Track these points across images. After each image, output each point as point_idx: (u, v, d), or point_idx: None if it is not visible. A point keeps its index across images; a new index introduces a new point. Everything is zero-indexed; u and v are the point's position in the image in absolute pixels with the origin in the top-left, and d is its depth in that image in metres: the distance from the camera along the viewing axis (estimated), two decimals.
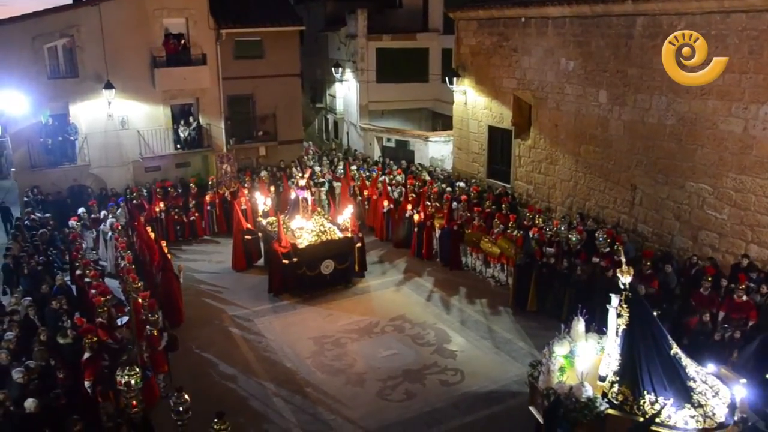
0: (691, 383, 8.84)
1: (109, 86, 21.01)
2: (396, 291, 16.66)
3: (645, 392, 8.84)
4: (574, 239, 15.39)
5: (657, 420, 8.62)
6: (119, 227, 17.31)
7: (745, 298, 12.20)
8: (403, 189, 20.28)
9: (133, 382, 9.39)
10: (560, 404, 8.98)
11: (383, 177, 21.63)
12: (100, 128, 21.77)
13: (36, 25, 20.36)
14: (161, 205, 19.90)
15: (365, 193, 21.17)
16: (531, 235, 15.91)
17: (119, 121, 21.93)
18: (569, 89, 18.13)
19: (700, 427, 8.44)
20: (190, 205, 20.49)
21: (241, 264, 18.06)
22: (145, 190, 21.14)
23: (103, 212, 18.69)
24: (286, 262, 15.89)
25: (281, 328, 14.72)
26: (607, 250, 14.82)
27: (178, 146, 23.08)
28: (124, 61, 21.47)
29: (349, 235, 16.52)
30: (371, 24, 27.71)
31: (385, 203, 19.80)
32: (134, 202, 19.89)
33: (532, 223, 17.01)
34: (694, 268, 14.05)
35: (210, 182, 21.47)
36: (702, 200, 14.76)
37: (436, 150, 25.72)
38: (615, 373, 9.19)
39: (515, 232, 16.40)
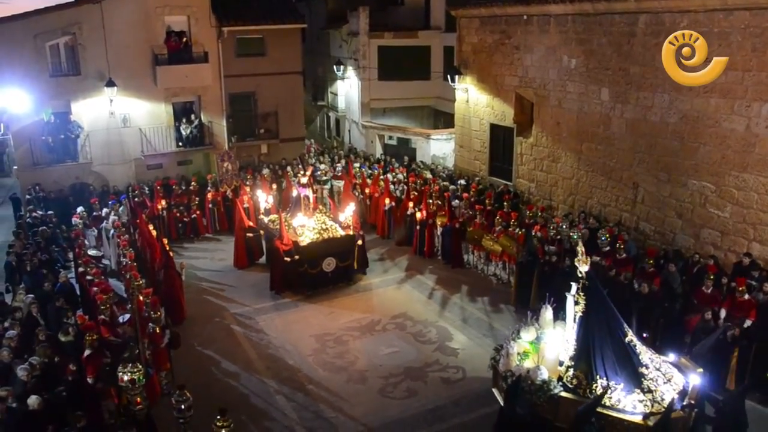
0: (642, 369, 9.10)
1: (110, 84, 21.04)
2: (397, 289, 16.66)
3: (597, 377, 9.15)
4: (575, 237, 15.39)
5: (604, 402, 8.89)
6: (120, 225, 17.31)
7: (746, 296, 12.20)
8: (405, 187, 20.27)
9: (135, 379, 9.39)
10: (519, 385, 9.28)
11: (385, 175, 21.62)
12: (102, 126, 21.81)
13: (38, 22, 20.39)
14: (163, 202, 19.91)
15: (367, 191, 21.16)
16: (533, 233, 15.91)
17: (121, 118, 21.97)
18: (571, 87, 18.11)
19: (648, 411, 8.71)
20: (192, 203, 20.50)
21: (242, 262, 18.07)
22: (147, 188, 21.16)
23: (105, 210, 18.71)
24: (288, 259, 15.89)
25: (283, 325, 14.73)
26: (608, 248, 14.82)
27: (180, 144, 23.11)
28: (125, 59, 21.49)
29: (351, 232, 16.52)
30: (373, 21, 27.72)
31: (387, 201, 19.81)
32: (136, 199, 19.90)
33: (533, 221, 17.00)
34: (696, 267, 14.05)
35: (209, 180, 21.44)
36: (704, 198, 14.76)
37: (438, 148, 25.71)
38: (570, 358, 9.51)
39: (517, 230, 16.39)
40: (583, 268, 9.42)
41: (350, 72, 29.26)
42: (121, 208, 18.92)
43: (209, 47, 22.70)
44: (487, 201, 18.71)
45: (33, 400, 9.35)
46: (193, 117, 23.21)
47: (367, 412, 11.35)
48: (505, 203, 18.25)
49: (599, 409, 8.82)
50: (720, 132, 14.20)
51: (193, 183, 21.29)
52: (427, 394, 11.92)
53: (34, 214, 18.75)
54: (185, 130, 22.96)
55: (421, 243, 18.58)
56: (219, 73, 23.23)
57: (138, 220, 17.53)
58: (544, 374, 9.38)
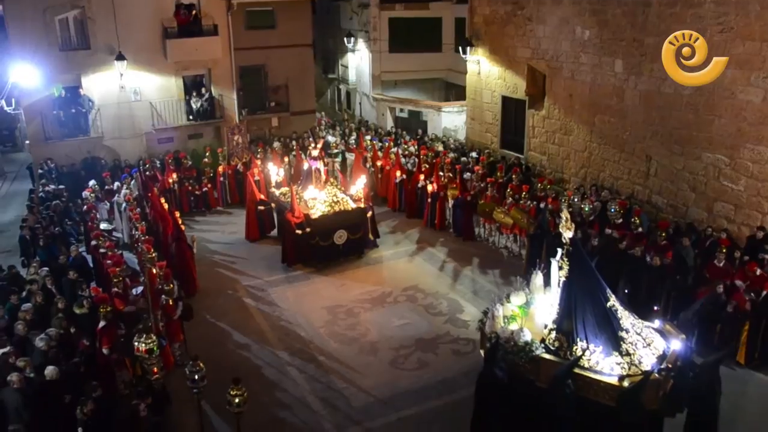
0: (622, 333, 9.27)
1: (120, 58, 20.97)
2: (409, 261, 16.70)
3: (578, 339, 9.36)
4: (587, 209, 15.33)
5: (582, 363, 9.11)
6: (130, 199, 17.40)
7: (759, 272, 12.13)
8: (416, 159, 20.22)
9: (151, 349, 9.53)
10: (499, 346, 9.52)
11: (396, 147, 21.56)
12: (113, 100, 21.79)
13: None
14: (174, 176, 19.98)
15: (378, 163, 21.12)
16: (544, 206, 15.85)
17: (131, 92, 21.93)
18: (584, 59, 17.89)
19: (624, 374, 8.89)
20: (205, 176, 20.57)
21: (254, 234, 18.15)
22: (158, 162, 21.21)
23: (117, 184, 18.79)
24: (300, 232, 15.94)
25: (294, 297, 14.83)
26: (621, 221, 14.75)
27: (191, 117, 23.08)
28: (135, 33, 21.39)
29: (362, 205, 16.53)
30: None
31: (398, 174, 19.77)
32: (147, 173, 19.97)
33: (545, 194, 16.93)
34: (709, 240, 13.96)
35: (220, 154, 21.42)
36: (718, 171, 14.61)
37: (449, 120, 25.57)
38: (553, 321, 9.72)
39: (528, 203, 16.34)
40: (568, 234, 9.55)
41: (361, 44, 29.04)
42: (132, 182, 19.00)
43: (219, 20, 22.51)
44: (498, 174, 18.63)
45: (50, 371, 9.52)
46: (203, 90, 23.15)
47: (378, 384, 11.46)
48: (514, 176, 18.15)
49: (577, 371, 9.08)
50: (736, 104, 13.99)
51: (207, 154, 21.32)
52: (437, 365, 12.01)
53: (46, 188, 18.87)
54: (196, 104, 22.92)
55: (432, 216, 18.57)
56: (229, 46, 23.09)
57: (149, 194, 17.60)
58: (527, 336, 9.63)
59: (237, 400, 8.46)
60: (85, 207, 17.19)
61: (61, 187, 19.11)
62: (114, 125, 21.98)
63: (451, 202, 18.10)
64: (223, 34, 22.66)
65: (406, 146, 21.99)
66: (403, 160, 20.35)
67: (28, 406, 9.21)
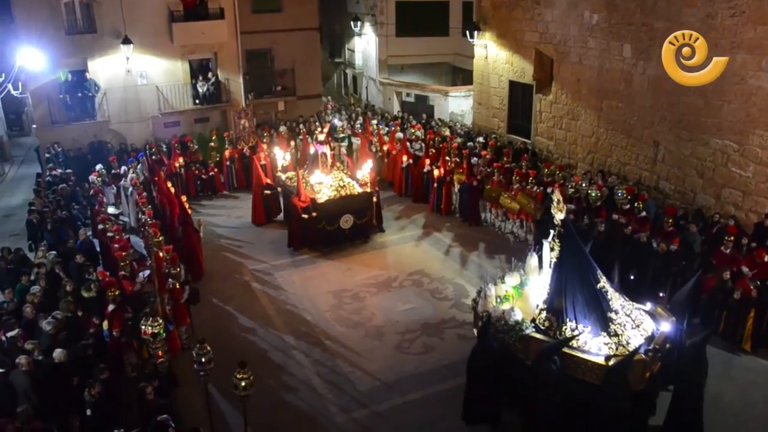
0: (611, 314, 9.48)
1: (127, 41, 20.95)
2: (415, 246, 16.71)
3: (567, 320, 9.60)
4: (593, 195, 15.28)
5: (572, 344, 9.37)
6: (137, 183, 17.43)
7: (766, 258, 12.08)
8: (423, 144, 20.14)
9: (157, 333, 9.58)
10: (490, 325, 9.82)
11: (402, 132, 21.49)
12: (119, 84, 21.80)
13: None
14: (181, 160, 20.00)
15: (384, 148, 21.08)
16: (551, 191, 15.80)
17: (138, 76, 21.91)
18: (593, 43, 17.75)
19: (612, 354, 9.12)
20: (212, 160, 20.59)
21: (260, 219, 18.19)
22: (164, 146, 21.22)
23: (124, 168, 18.83)
24: (306, 216, 15.95)
25: (301, 282, 14.88)
26: (628, 206, 14.71)
27: (197, 101, 23.07)
28: (141, 16, 21.35)
29: (368, 189, 16.52)
30: None
31: (404, 158, 19.73)
32: (154, 157, 19.99)
33: (552, 179, 16.88)
34: (716, 227, 13.90)
35: (226, 138, 21.44)
36: (726, 157, 14.51)
37: (456, 105, 25.47)
38: (544, 302, 9.99)
39: (535, 188, 16.29)
40: (559, 216, 9.76)
41: (368, 28, 28.89)
42: (139, 166, 19.03)
43: (225, 3, 22.44)
44: (505, 158, 18.57)
45: (58, 354, 9.60)
46: (209, 74, 23.11)
47: (384, 368, 11.51)
48: (523, 162, 18.08)
49: (571, 352, 9.30)
50: (746, 89, 13.86)
51: (213, 138, 21.30)
52: (442, 350, 12.05)
53: (53, 172, 18.93)
54: (202, 88, 22.90)
55: (439, 200, 18.54)
56: (235, 29, 23.00)
57: (156, 178, 17.63)
58: (518, 315, 9.92)
59: (243, 384, 8.51)
60: (92, 191, 17.25)
61: (68, 171, 19.16)
62: (120, 109, 22.01)
63: (457, 187, 18.07)
64: (229, 18, 22.59)
65: (412, 131, 21.93)
66: (409, 144, 20.30)
67: (36, 388, 9.30)
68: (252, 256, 16.23)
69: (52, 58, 20.53)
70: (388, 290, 14.35)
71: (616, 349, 9.24)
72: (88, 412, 9.02)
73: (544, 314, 9.88)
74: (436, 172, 18.40)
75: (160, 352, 9.69)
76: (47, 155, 20.64)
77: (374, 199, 16.90)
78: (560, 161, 19.26)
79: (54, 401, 9.42)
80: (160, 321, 9.82)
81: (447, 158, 18.53)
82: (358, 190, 16.55)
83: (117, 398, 9.51)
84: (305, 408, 10.59)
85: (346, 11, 30.93)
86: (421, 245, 16.75)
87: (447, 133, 22.10)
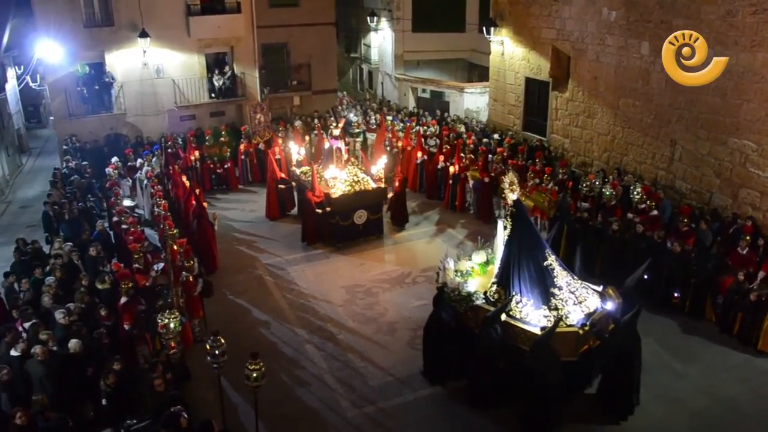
0: (554, 290, 10.22)
1: (144, 35, 21.03)
2: (428, 242, 16.68)
3: (514, 293, 10.37)
4: (608, 194, 15.18)
5: (514, 314, 10.22)
6: (152, 176, 17.53)
7: None
8: (438, 140, 20.09)
9: (172, 325, 9.64)
10: (443, 293, 10.95)
11: (417, 128, 21.45)
12: (136, 77, 21.91)
13: None
14: (196, 153, 20.08)
15: (399, 144, 21.04)
16: (565, 189, 15.73)
17: (154, 69, 22.02)
18: (610, 40, 17.61)
19: (549, 326, 9.75)
20: (224, 154, 20.65)
21: (274, 213, 18.22)
22: (180, 139, 21.32)
23: (139, 161, 18.94)
24: (320, 211, 15.97)
25: (314, 276, 14.91)
26: (643, 206, 14.60)
27: (213, 95, 23.14)
28: (158, 10, 21.42)
29: (382, 185, 16.51)
30: None
31: (419, 154, 19.69)
32: (169, 150, 20.09)
33: (567, 177, 16.78)
34: (733, 227, 13.77)
35: (242, 132, 21.50)
36: (745, 157, 14.35)
37: (472, 101, 25.38)
38: (495, 275, 10.83)
39: (550, 186, 16.21)
40: (512, 196, 10.49)
41: (384, 23, 28.83)
42: (154, 159, 19.13)
43: None
44: (519, 156, 18.47)
45: (73, 344, 9.68)
46: (225, 68, 23.18)
47: (396, 363, 11.51)
48: (537, 160, 17.98)
49: (510, 321, 10.14)
50: (765, 88, 13.67)
51: (223, 133, 21.38)
52: None
53: (69, 164, 19.07)
54: (218, 82, 22.97)
55: (453, 197, 18.50)
56: (252, 23, 23.03)
57: (171, 171, 17.70)
58: (471, 287, 10.97)
59: (255, 375, 8.53)
60: (108, 184, 17.37)
61: (85, 163, 19.30)
62: (137, 102, 22.12)
63: (471, 184, 18.00)
64: (246, 12, 22.63)
65: (425, 127, 21.87)
66: (423, 141, 20.25)
67: (51, 377, 9.39)
68: (266, 250, 16.28)
69: (70, 51, 20.66)
70: (401, 286, 14.35)
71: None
72: (104, 401, 9.11)
73: (494, 287, 10.63)
74: (451, 169, 18.35)
75: (172, 344, 9.76)
76: (64, 147, 20.81)
77: (389, 195, 16.95)
78: (576, 159, 19.14)
79: (68, 391, 9.52)
80: (176, 313, 9.89)
81: (462, 155, 18.47)
82: (372, 185, 16.55)
83: (130, 389, 9.58)
84: (316, 402, 10.62)
85: (363, 6, 30.88)
86: (434, 241, 16.72)
87: (462, 129, 22.03)
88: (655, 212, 14.36)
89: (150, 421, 8.73)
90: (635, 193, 14.90)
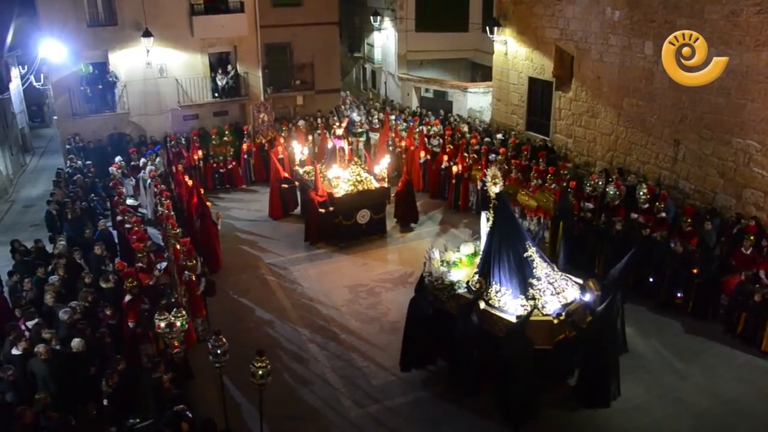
0: (532, 281, 10.56)
1: (147, 34, 21.06)
2: (432, 242, 16.59)
3: (493, 283, 10.73)
4: (611, 193, 15.16)
5: (493, 303, 10.55)
6: (155, 175, 17.54)
7: None
8: (441, 140, 20.08)
9: (179, 323, 9.65)
10: (423, 281, 11.27)
11: (420, 127, 21.44)
12: (139, 76, 21.93)
13: None
14: (200, 153, 20.10)
15: (402, 143, 21.03)
16: (567, 189, 15.70)
17: (158, 69, 22.04)
18: (614, 40, 17.57)
19: (525, 314, 10.06)
20: (227, 154, 20.67)
21: (277, 212, 18.24)
22: (183, 139, 21.34)
23: (143, 160, 18.96)
24: (323, 211, 15.98)
25: (317, 276, 14.92)
26: (647, 206, 14.57)
27: (216, 95, 23.16)
28: (162, 9, 21.46)
29: (386, 184, 16.50)
30: None
31: (422, 154, 19.68)
32: (173, 150, 20.11)
33: (569, 177, 16.75)
34: (736, 227, 13.73)
35: (245, 132, 21.50)
36: (749, 157, 14.31)
37: (475, 101, 25.35)
38: (477, 266, 11.20)
39: (553, 186, 16.18)
40: (494, 189, 10.81)
41: (387, 23, 28.82)
42: (157, 159, 19.15)
43: None
44: (523, 155, 18.45)
45: (76, 343, 9.70)
46: (229, 68, 23.19)
47: (398, 362, 11.47)
48: (540, 160, 17.95)
49: (491, 310, 10.47)
50: None
51: (226, 133, 21.39)
52: None
53: (73, 163, 19.10)
54: (221, 81, 22.99)
55: (456, 197, 18.48)
56: (255, 23, 23.04)
57: (174, 170, 17.73)
58: (454, 277, 11.39)
59: (260, 372, 8.52)
60: (111, 183, 17.39)
61: (88, 162, 19.33)
62: (140, 101, 22.14)
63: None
64: (249, 11, 22.63)
65: (429, 127, 21.86)
66: (427, 140, 20.23)
67: (54, 376, 9.41)
68: (268, 250, 16.29)
69: (74, 51, 20.71)
70: (404, 286, 14.32)
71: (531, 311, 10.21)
72: (105, 402, 9.11)
73: (476, 277, 10.95)
74: (454, 169, 18.34)
75: (175, 343, 9.77)
76: (68, 146, 20.84)
77: (392, 195, 16.92)
78: (579, 159, 19.10)
79: (71, 390, 9.53)
80: (183, 312, 9.91)
81: (465, 154, 18.45)
82: (375, 185, 16.54)
83: (133, 388, 9.59)
84: (319, 401, 10.62)
85: (366, 6, 30.88)
86: (438, 241, 16.67)
87: (465, 129, 22.01)
88: (663, 214, 14.31)
89: (153, 420, 8.75)
90: (641, 193, 14.86)
